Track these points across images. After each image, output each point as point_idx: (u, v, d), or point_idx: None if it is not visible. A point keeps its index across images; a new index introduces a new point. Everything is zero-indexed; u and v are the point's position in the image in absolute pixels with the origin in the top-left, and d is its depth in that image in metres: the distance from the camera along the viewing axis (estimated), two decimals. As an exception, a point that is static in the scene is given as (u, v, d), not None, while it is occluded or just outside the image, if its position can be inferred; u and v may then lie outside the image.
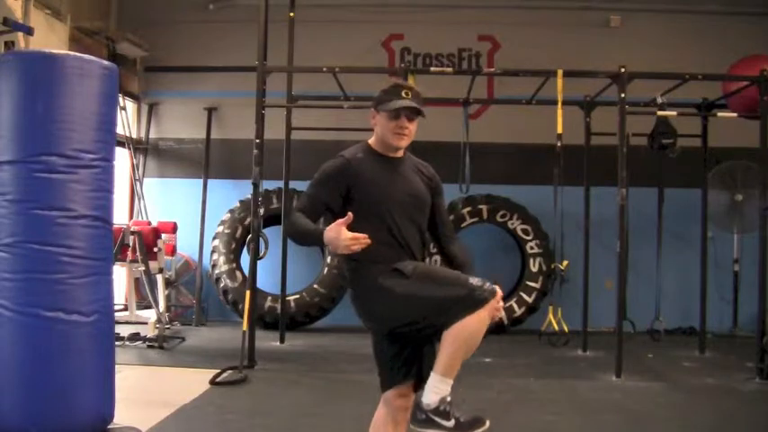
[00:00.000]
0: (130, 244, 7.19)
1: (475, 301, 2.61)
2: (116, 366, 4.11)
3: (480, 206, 8.67)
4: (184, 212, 9.02)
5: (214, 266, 8.72)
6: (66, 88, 3.79)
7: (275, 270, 7.92)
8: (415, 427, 2.73)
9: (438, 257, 3.41)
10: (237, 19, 8.94)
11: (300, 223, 2.82)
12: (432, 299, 2.67)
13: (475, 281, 2.66)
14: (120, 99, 8.52)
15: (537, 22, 9.25)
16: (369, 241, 2.65)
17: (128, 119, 9.10)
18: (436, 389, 2.65)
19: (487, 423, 2.67)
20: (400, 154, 3.00)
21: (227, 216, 8.83)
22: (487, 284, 2.66)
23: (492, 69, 8.46)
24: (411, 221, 2.91)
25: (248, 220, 7.74)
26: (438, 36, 9.42)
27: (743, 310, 8.61)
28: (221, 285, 8.64)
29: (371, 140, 2.99)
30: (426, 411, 2.66)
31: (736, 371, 6.49)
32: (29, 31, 6.33)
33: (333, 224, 2.68)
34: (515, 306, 8.56)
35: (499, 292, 2.67)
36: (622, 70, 6.34)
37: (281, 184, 7.85)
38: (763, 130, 6.35)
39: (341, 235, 2.63)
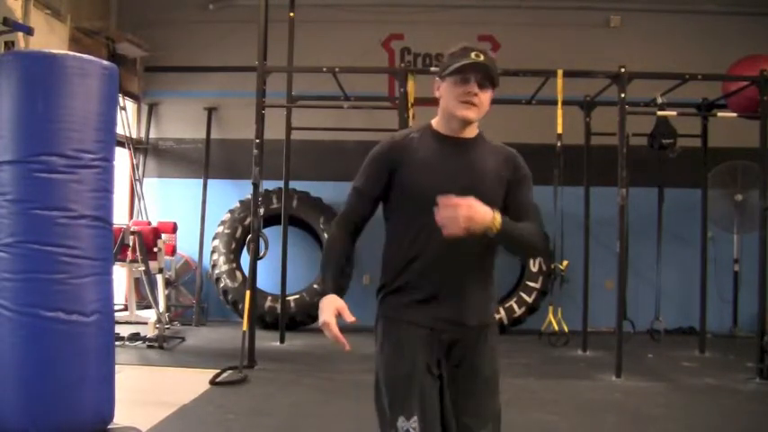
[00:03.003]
0: (130, 244, 7.19)
1: None
2: (116, 366, 4.11)
3: (480, 206, 8.66)
4: (184, 212, 9.02)
5: (214, 266, 8.72)
6: (66, 88, 3.79)
7: (275, 270, 7.92)
8: None
9: None
10: (237, 19, 8.94)
11: (330, 255, 2.38)
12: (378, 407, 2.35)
13: (402, 424, 2.25)
14: (120, 99, 8.52)
15: (537, 22, 9.25)
16: (347, 348, 2.24)
17: (128, 119, 9.10)
18: None
19: None
20: (471, 133, 2.39)
21: (227, 216, 8.83)
22: None
23: (492, 69, 8.45)
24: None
25: (248, 220, 7.74)
26: (438, 36, 9.41)
27: (743, 310, 8.60)
28: (221, 285, 8.64)
29: (435, 119, 2.44)
30: None
31: (736, 371, 6.49)
32: (29, 31, 6.33)
33: (330, 301, 2.23)
34: (515, 306, 8.56)
35: None
36: (622, 70, 6.34)
37: (281, 184, 7.86)
38: (763, 130, 6.35)
39: (323, 317, 2.20)
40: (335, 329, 2.17)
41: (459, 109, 2.32)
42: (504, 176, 2.37)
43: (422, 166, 2.31)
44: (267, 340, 7.45)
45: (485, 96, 2.33)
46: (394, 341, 2.33)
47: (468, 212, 2.10)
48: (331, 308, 2.20)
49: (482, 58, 2.31)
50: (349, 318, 2.19)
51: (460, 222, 2.09)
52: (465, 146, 2.37)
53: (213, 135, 9.46)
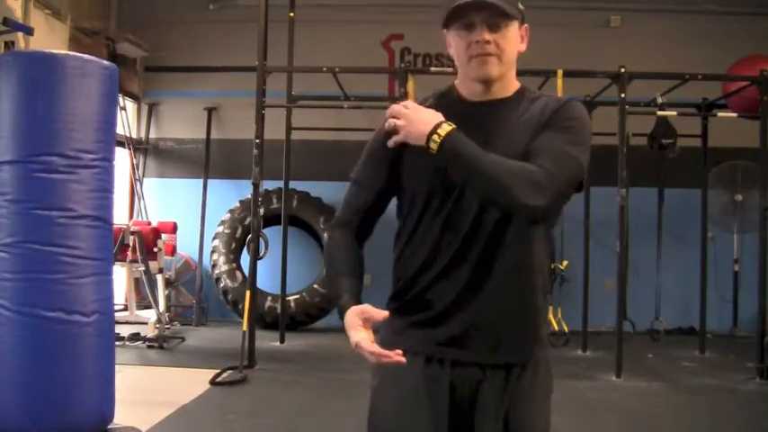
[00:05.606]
0: (130, 244, 7.18)
1: None
2: (116, 366, 4.11)
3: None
4: (184, 212, 9.02)
5: (214, 266, 8.72)
6: (66, 88, 3.79)
7: (275, 270, 7.92)
8: None
9: None
10: (237, 19, 8.93)
11: (335, 260, 1.84)
12: None
13: None
14: (120, 99, 8.52)
15: (537, 22, 9.09)
16: (401, 360, 1.59)
17: (128, 119, 9.10)
18: None
19: None
20: (505, 92, 1.80)
21: (227, 216, 8.83)
22: None
23: (492, 69, 8.45)
24: (495, 223, 1.72)
25: (248, 220, 7.74)
26: (438, 36, 9.14)
27: (743, 310, 8.60)
28: (221, 285, 8.64)
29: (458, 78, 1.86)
30: None
31: (736, 371, 6.48)
32: (29, 31, 6.33)
33: (350, 315, 1.66)
34: (515, 306, 8.55)
35: None
36: (622, 70, 6.34)
37: (281, 184, 7.86)
38: (763, 130, 6.35)
39: (351, 338, 1.64)
40: (370, 346, 1.60)
41: (471, 67, 1.75)
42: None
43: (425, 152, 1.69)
44: (267, 340, 7.44)
45: (503, 38, 1.73)
46: (386, 376, 1.81)
47: (403, 118, 1.68)
48: (356, 322, 1.64)
49: None
50: (380, 315, 1.63)
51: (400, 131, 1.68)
52: (494, 111, 1.77)
53: (213, 135, 9.46)
